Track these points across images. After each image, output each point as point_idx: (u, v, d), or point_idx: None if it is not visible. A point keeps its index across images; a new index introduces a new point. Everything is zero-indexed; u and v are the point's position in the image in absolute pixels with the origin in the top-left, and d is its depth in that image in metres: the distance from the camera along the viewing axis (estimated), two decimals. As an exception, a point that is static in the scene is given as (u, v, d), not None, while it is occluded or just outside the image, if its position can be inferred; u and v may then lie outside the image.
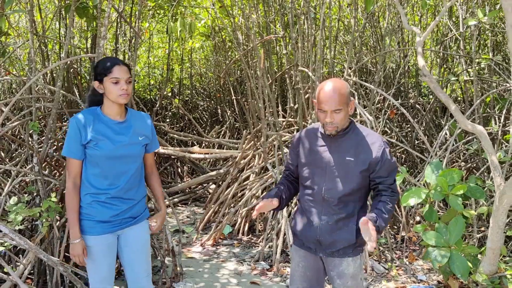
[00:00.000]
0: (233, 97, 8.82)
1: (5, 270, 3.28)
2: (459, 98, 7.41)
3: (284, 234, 4.60)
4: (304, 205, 2.39)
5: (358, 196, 2.32)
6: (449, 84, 7.10)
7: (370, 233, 2.04)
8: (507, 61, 6.13)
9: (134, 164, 2.54)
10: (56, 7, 5.78)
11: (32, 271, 3.68)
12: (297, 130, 5.47)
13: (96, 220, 2.48)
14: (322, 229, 2.30)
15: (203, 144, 8.20)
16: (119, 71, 2.40)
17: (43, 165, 4.08)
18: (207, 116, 10.84)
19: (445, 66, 6.96)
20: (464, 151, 5.53)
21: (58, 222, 3.66)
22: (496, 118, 5.49)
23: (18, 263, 3.48)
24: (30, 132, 4.06)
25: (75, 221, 2.44)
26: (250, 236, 5.30)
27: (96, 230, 2.48)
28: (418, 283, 4.09)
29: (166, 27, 8.33)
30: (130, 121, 2.54)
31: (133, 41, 7.22)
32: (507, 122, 5.22)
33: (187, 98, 11.21)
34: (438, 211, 4.18)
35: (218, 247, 5.04)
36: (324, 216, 2.30)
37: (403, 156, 6.65)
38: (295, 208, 2.54)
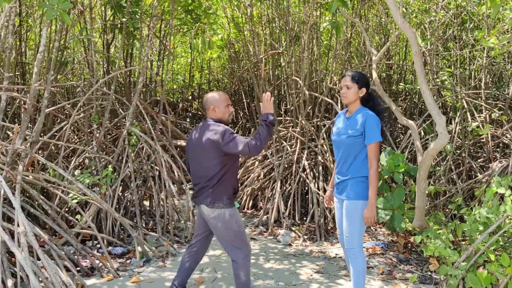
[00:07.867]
0: (245, 101, 10.20)
1: (77, 217, 4.72)
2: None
3: (278, 207, 5.93)
4: (234, 172, 3.45)
5: None
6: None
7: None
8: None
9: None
10: (101, 27, 7.23)
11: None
12: (292, 126, 6.83)
13: None
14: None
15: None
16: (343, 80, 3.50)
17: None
18: (222, 117, 12.23)
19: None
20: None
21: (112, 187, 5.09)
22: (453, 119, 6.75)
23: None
24: (90, 122, 5.51)
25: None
26: (253, 210, 6.66)
27: None
28: (378, 241, 5.39)
29: (188, 40, 9.80)
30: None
31: (161, 52, 8.69)
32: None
33: (205, 101, 12.63)
34: (391, 187, 5.46)
35: (227, 217, 6.40)
36: None
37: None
38: (224, 179, 3.34)
